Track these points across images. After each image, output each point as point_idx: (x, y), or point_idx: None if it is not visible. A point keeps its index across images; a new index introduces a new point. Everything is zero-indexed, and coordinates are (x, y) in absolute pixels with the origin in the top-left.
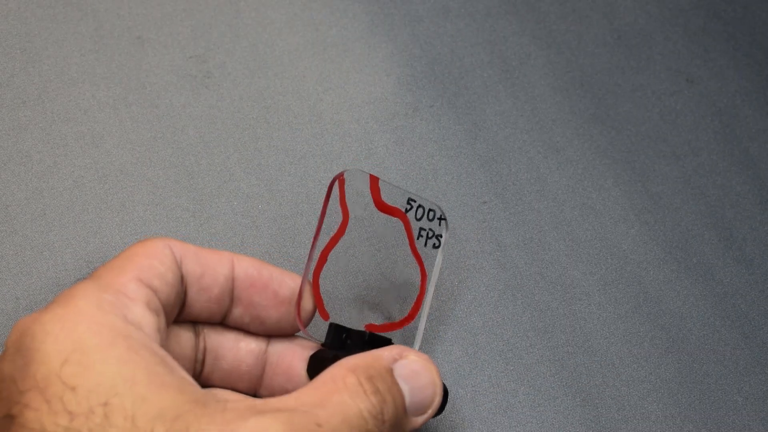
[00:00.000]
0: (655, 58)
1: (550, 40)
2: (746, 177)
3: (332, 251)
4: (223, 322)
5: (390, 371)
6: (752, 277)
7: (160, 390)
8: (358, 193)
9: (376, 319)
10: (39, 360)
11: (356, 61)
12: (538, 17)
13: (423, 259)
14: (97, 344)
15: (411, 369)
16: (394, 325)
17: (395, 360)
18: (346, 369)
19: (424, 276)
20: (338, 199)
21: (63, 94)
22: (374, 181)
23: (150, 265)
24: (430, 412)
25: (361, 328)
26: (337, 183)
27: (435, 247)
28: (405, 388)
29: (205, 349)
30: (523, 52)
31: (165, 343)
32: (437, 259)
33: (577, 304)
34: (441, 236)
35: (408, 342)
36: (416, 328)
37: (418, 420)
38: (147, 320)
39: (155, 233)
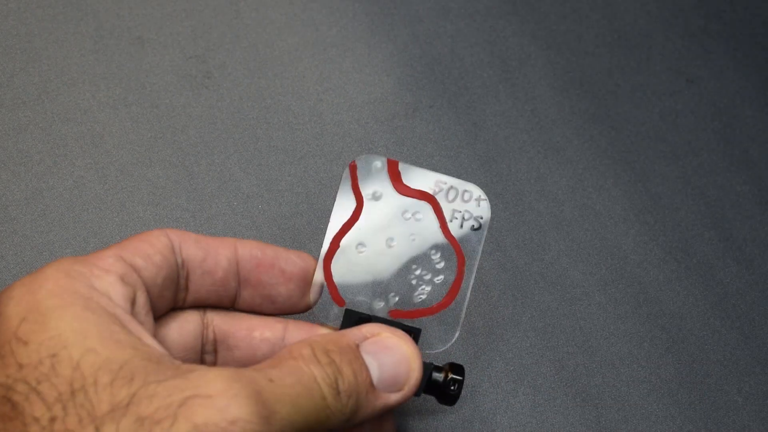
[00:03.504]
0: (655, 58)
1: (550, 40)
2: (746, 177)
3: (346, 237)
4: (234, 307)
5: (352, 347)
6: (752, 277)
7: (110, 344)
8: (373, 178)
9: (402, 306)
10: (0, 322)
11: (356, 61)
12: (538, 17)
13: (460, 242)
14: (55, 305)
15: (381, 345)
16: (426, 311)
17: (365, 338)
18: (304, 342)
19: (461, 260)
20: (350, 185)
21: (63, 94)
22: (393, 164)
23: (136, 246)
24: (407, 389)
25: (385, 315)
26: (347, 169)
27: (474, 229)
28: (372, 364)
29: (215, 339)
30: (523, 52)
31: (153, 324)
32: (479, 242)
33: (577, 305)
34: (481, 217)
35: (447, 329)
36: (454, 314)
37: (393, 397)
38: (116, 289)
39: None
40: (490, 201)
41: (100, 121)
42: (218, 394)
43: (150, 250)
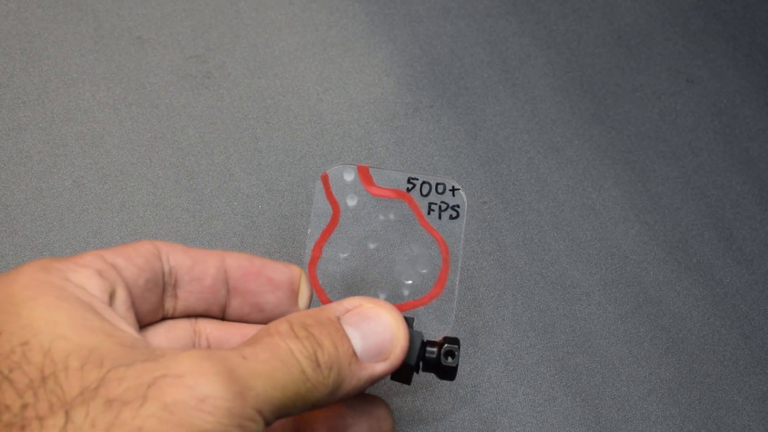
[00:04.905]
0: (655, 58)
1: (550, 40)
2: (746, 177)
3: (327, 243)
4: (224, 317)
5: (332, 320)
6: (752, 277)
7: (82, 331)
8: (346, 185)
9: (392, 301)
10: None
11: (356, 61)
12: (538, 17)
13: (441, 233)
14: (28, 296)
15: (363, 315)
16: (417, 303)
17: (347, 310)
18: (283, 319)
19: (444, 249)
20: (324, 194)
21: (63, 94)
22: (363, 170)
23: (119, 249)
24: (393, 358)
25: None
26: (320, 180)
27: (452, 218)
28: (355, 335)
29: (209, 347)
30: (523, 52)
31: (135, 321)
32: (460, 229)
33: (577, 304)
34: (458, 206)
35: (442, 317)
36: (447, 302)
37: (379, 367)
38: (91, 281)
39: (155, 233)
40: (490, 201)
41: (100, 121)
42: (188, 373)
43: (132, 253)
